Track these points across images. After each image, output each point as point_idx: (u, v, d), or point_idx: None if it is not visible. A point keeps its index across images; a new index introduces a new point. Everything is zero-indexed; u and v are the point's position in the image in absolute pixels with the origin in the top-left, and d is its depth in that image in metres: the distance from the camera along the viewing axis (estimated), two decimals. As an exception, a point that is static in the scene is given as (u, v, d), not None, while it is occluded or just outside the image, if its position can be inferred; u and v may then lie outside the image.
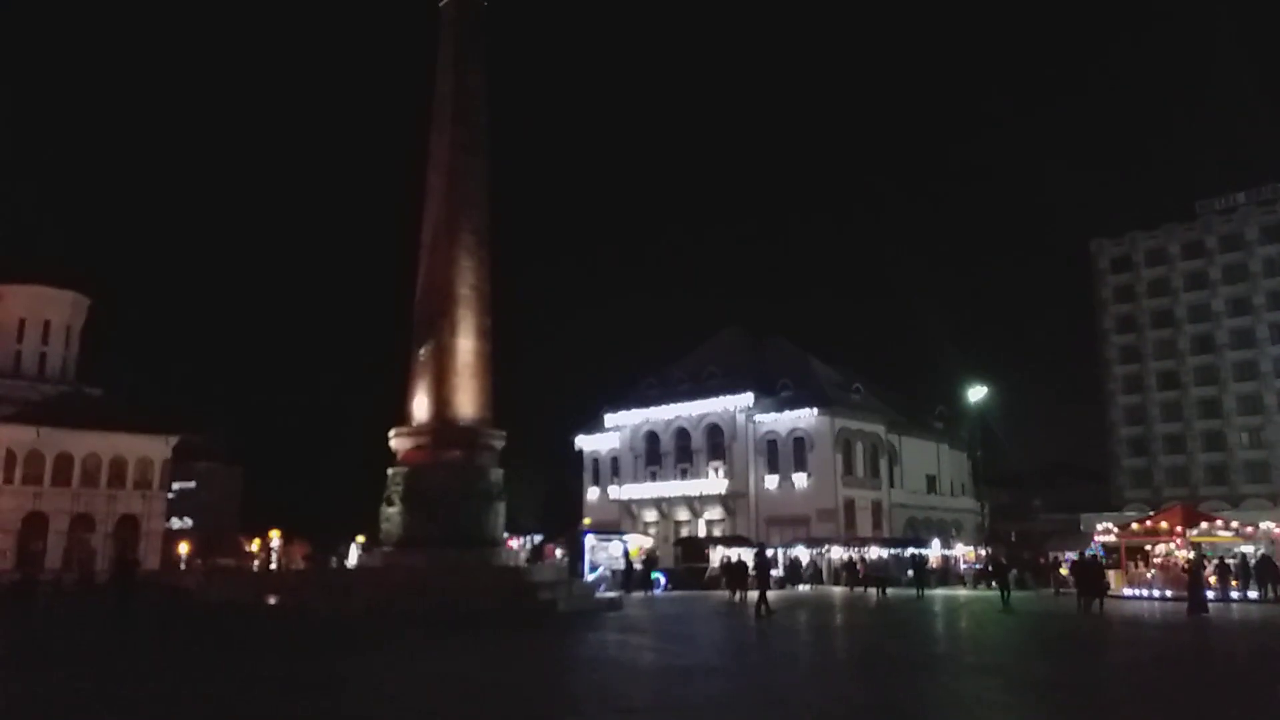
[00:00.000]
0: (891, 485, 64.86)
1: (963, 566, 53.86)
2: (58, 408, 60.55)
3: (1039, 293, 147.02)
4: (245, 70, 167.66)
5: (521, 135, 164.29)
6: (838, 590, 45.41)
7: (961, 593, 44.63)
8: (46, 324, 69.29)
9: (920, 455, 68.69)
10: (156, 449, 63.26)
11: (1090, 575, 30.75)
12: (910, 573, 42.55)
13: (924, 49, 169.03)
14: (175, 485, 70.70)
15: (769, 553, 35.49)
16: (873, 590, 39.70)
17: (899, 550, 50.93)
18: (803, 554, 52.67)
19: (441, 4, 31.46)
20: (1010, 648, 19.80)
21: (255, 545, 75.45)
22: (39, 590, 38.49)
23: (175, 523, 74.93)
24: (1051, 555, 49.24)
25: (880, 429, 64.73)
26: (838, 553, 52.67)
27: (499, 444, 29.26)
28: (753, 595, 27.93)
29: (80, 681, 13.27)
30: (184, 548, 73.03)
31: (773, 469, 62.81)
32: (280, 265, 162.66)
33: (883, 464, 64.42)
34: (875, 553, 49.25)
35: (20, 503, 57.94)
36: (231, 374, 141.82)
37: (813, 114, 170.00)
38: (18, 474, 58.00)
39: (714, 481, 64.16)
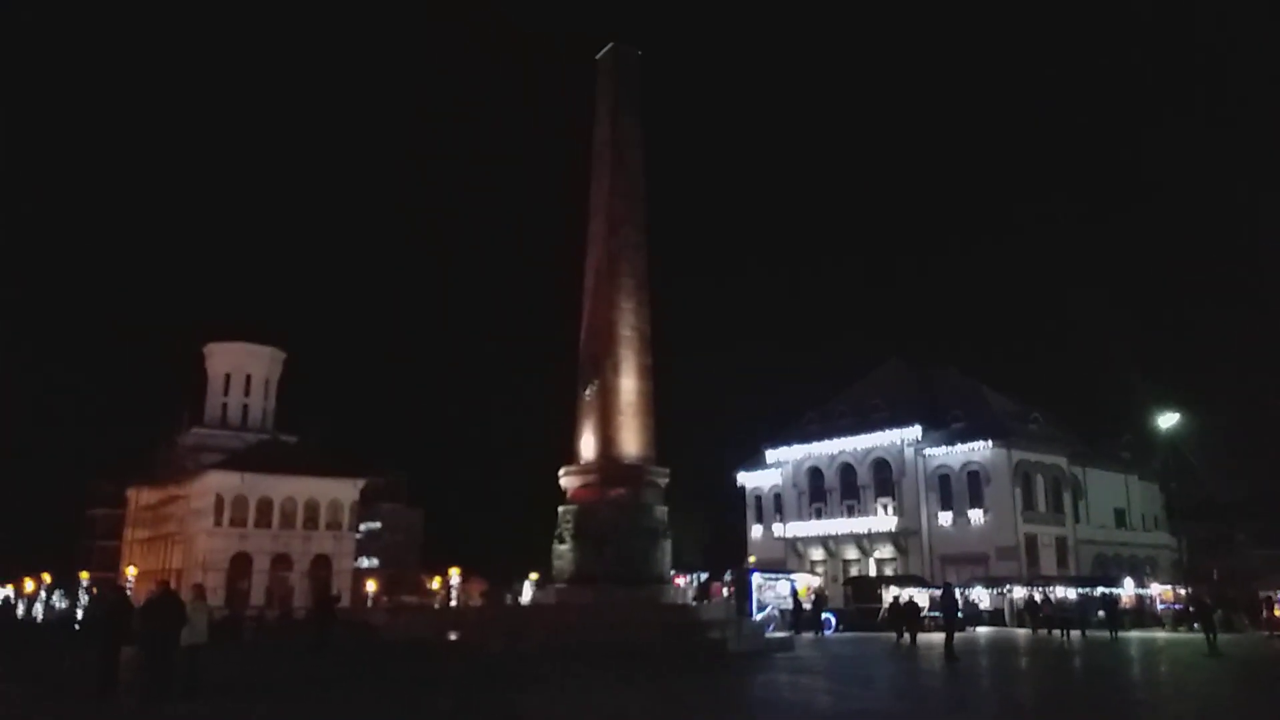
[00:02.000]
0: (1076, 520, 61.16)
1: (1159, 607, 50.18)
2: (259, 455, 65.81)
3: (1233, 310, 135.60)
4: (417, 128, 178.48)
5: (683, 164, 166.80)
6: (1020, 632, 43.14)
7: (1160, 635, 41.55)
8: (248, 378, 76.45)
9: (1107, 488, 64.59)
10: (346, 492, 67.58)
11: None
12: (1101, 613, 40.06)
13: (1100, 61, 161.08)
14: (362, 526, 75.13)
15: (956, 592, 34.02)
16: (1057, 632, 37.51)
17: (1087, 589, 47.94)
18: (982, 594, 50.44)
19: (598, 56, 32.76)
20: (1220, 697, 18.23)
21: (436, 583, 78.66)
22: (244, 625, 41.42)
23: (363, 562, 79.21)
24: (1263, 594, 45.17)
25: (1062, 460, 61.28)
26: (1019, 592, 50.11)
27: (663, 481, 29.60)
28: (924, 637, 27.00)
29: (282, 710, 14.33)
30: (371, 586, 77.05)
31: (946, 505, 60.47)
32: (450, 312, 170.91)
33: (1066, 498, 60.87)
34: (1061, 592, 46.58)
35: (228, 544, 63.00)
36: (410, 419, 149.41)
37: (979, 134, 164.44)
38: (226, 517, 63.18)
39: (883, 519, 62.39)
